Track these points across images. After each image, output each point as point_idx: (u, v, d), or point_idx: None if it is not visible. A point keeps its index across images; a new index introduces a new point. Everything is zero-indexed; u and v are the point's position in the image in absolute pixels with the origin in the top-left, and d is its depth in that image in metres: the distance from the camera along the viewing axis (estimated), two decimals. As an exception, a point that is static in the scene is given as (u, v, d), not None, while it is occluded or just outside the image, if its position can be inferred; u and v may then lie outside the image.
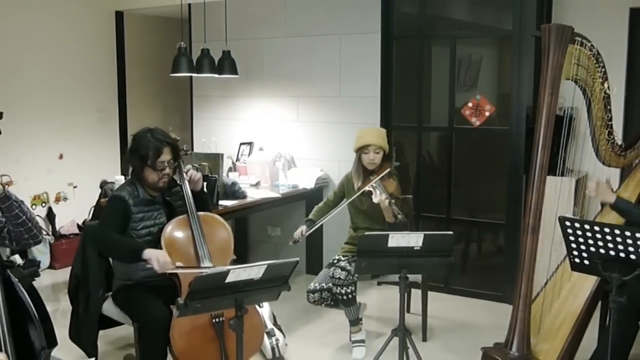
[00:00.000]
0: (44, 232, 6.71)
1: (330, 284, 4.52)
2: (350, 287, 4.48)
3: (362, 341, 4.71)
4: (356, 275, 4.47)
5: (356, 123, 6.09)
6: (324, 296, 4.56)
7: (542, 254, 4.14)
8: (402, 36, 6.08)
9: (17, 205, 2.87)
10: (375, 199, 4.48)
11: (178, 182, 4.08)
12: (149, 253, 3.65)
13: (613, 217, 4.21)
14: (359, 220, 4.84)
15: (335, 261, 4.73)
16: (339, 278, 4.45)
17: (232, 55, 6.07)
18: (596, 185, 4.05)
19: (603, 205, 4.35)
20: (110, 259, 4.06)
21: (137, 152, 3.86)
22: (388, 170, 4.67)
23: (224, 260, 3.93)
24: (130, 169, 4.02)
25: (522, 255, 4.00)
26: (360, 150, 4.71)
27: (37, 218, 6.56)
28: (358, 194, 4.60)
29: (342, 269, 4.50)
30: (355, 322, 4.71)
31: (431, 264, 3.87)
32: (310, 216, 4.93)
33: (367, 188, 4.54)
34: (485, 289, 5.87)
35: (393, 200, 4.44)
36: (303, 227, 4.77)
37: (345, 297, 4.50)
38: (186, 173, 4.06)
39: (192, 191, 4.07)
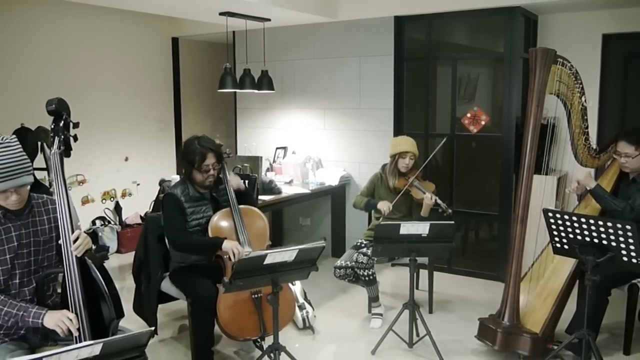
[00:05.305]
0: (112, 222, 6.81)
1: (354, 264, 4.53)
2: (371, 270, 4.48)
3: (381, 314, 4.73)
4: (375, 258, 4.48)
5: (373, 130, 6.13)
6: (347, 272, 4.56)
7: (529, 240, 4.15)
8: (412, 58, 6.07)
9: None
10: (417, 196, 4.58)
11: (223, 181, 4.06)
12: (226, 245, 3.68)
13: (588, 210, 4.21)
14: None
15: (359, 244, 4.74)
16: (362, 262, 4.45)
17: (269, 74, 6.14)
18: (585, 172, 4.12)
19: (581, 198, 4.35)
20: (167, 245, 4.05)
21: (186, 157, 3.87)
22: (421, 172, 4.73)
23: (261, 245, 3.95)
24: (183, 170, 4.03)
25: (513, 241, 4.00)
26: (399, 155, 4.69)
27: (107, 211, 6.70)
28: (403, 191, 4.62)
29: (364, 254, 4.49)
30: (375, 299, 4.72)
31: (436, 249, 3.91)
32: (366, 197, 4.81)
33: (414, 195, 4.63)
34: (481, 270, 5.85)
35: (437, 197, 4.53)
36: (385, 202, 4.63)
37: (367, 278, 4.51)
38: (228, 180, 4.04)
39: (237, 190, 4.07)
